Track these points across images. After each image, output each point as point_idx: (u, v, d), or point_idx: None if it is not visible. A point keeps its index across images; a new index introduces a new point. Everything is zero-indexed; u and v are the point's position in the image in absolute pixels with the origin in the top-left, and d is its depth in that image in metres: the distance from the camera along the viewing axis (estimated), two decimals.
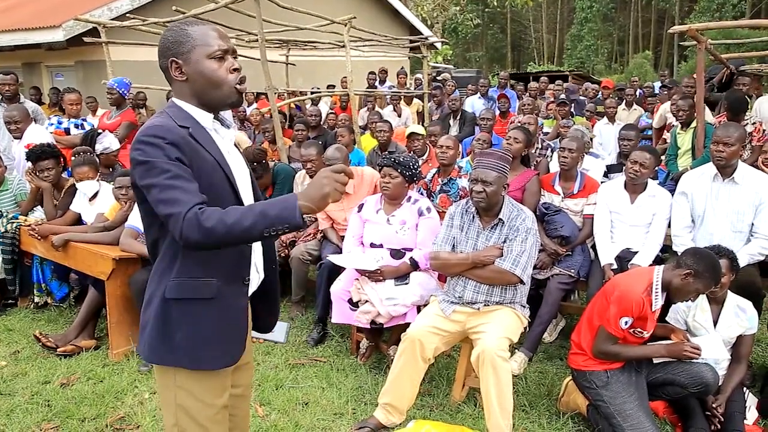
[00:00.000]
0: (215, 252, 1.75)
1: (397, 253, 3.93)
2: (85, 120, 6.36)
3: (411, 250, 3.91)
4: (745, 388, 3.38)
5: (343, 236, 4.30)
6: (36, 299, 4.94)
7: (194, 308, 1.80)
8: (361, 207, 4.14)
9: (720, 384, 3.13)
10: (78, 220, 4.66)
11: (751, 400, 3.32)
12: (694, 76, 6.05)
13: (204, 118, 1.83)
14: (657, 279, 2.99)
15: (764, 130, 5.60)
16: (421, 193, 4.55)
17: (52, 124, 6.03)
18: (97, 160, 5.34)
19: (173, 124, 1.74)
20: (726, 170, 3.81)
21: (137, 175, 1.68)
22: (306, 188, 1.68)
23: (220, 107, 1.86)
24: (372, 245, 4.02)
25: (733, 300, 3.31)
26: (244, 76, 1.84)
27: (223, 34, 1.83)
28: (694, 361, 3.03)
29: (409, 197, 4.03)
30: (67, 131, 6.01)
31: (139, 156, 1.67)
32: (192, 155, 1.73)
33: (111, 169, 5.32)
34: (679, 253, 3.15)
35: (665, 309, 3.22)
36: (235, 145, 1.98)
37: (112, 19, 9.56)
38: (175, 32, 1.79)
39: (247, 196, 1.93)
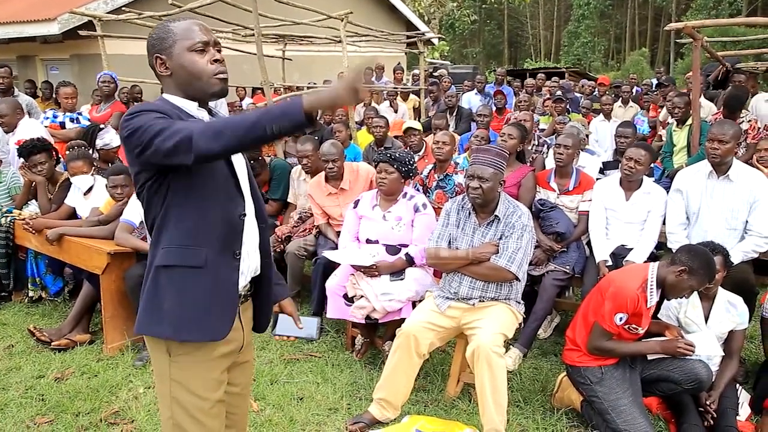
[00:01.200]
0: (205, 220, 1.80)
1: (392, 249, 3.93)
2: (80, 114, 6.34)
3: (407, 246, 3.91)
4: (737, 385, 3.40)
5: (339, 232, 4.30)
6: (30, 293, 4.92)
7: (182, 276, 1.81)
8: (356, 203, 4.14)
9: (713, 380, 3.14)
10: (73, 214, 4.64)
11: (744, 397, 3.34)
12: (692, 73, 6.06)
13: (193, 108, 1.87)
14: (652, 276, 3.00)
15: (759, 128, 5.61)
16: (417, 189, 4.55)
17: (47, 118, 6.01)
18: (96, 154, 5.34)
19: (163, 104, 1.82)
20: (721, 167, 3.82)
21: (133, 144, 1.69)
22: (323, 90, 1.67)
23: (204, 98, 1.88)
24: (368, 241, 4.02)
25: (723, 296, 3.33)
26: (225, 68, 1.86)
27: (204, 27, 1.86)
28: (688, 357, 3.05)
29: (405, 193, 4.03)
30: (62, 125, 6.00)
31: (127, 129, 1.69)
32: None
33: (110, 165, 5.30)
34: (674, 250, 3.16)
35: (659, 305, 3.23)
36: None
37: (107, 13, 9.51)
38: (159, 30, 1.84)
39: (245, 186, 1.95)
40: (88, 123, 6.23)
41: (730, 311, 3.29)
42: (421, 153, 5.80)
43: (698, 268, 2.90)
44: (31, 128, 5.40)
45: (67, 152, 4.73)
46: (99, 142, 5.29)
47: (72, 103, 6.32)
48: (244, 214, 1.93)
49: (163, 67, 1.83)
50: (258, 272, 2.04)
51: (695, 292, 3.18)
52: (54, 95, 7.64)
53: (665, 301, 3.29)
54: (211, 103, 1.97)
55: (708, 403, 3.10)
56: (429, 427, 3.12)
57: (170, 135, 1.63)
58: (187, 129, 1.62)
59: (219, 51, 1.87)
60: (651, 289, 2.98)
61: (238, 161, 1.95)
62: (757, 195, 3.75)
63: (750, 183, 3.78)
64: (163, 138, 1.63)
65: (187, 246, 1.81)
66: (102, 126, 5.59)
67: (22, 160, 4.85)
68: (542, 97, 9.44)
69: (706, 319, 3.30)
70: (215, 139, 1.60)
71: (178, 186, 1.78)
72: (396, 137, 6.59)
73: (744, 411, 3.26)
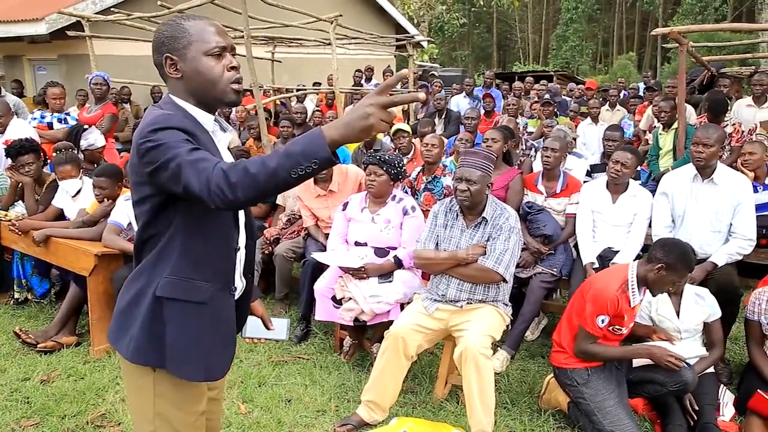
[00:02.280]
0: (209, 255, 1.73)
1: (381, 252, 3.94)
2: (68, 114, 6.31)
3: (395, 248, 3.92)
4: (722, 385, 3.44)
5: (328, 234, 4.31)
6: (16, 295, 4.88)
7: (185, 310, 1.72)
8: (345, 205, 4.14)
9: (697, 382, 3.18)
10: (60, 216, 4.61)
11: (728, 397, 3.38)
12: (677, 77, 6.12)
13: (205, 118, 1.76)
14: (632, 275, 3.03)
15: (743, 132, 5.68)
16: (406, 192, 4.57)
17: (35, 118, 5.97)
18: (81, 156, 5.31)
19: (178, 114, 1.68)
20: (705, 171, 3.86)
21: (149, 158, 1.56)
22: (344, 115, 1.48)
23: (216, 106, 1.79)
24: (356, 243, 4.03)
25: (690, 289, 3.40)
26: (240, 75, 1.76)
27: (221, 30, 1.75)
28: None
29: (394, 196, 4.04)
30: (50, 125, 5.96)
31: (150, 143, 1.56)
32: (201, 144, 1.64)
33: (95, 165, 5.27)
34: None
35: None
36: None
37: (96, 13, 9.48)
38: (171, 27, 1.70)
39: (240, 214, 1.89)
40: (75, 123, 6.21)
41: (699, 303, 3.35)
42: (409, 155, 5.81)
43: (675, 262, 2.93)
44: (19, 129, 5.37)
45: (55, 155, 4.70)
46: (83, 143, 5.26)
47: (60, 104, 6.28)
48: (239, 248, 1.86)
49: (173, 68, 1.71)
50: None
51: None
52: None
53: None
54: None
55: (687, 403, 3.14)
56: (417, 428, 3.12)
57: (190, 167, 1.49)
58: (207, 168, 1.48)
59: (234, 56, 1.77)
60: (633, 288, 3.01)
61: None
62: (741, 198, 3.79)
63: (734, 186, 3.82)
64: (180, 168, 1.50)
65: (192, 279, 1.72)
66: (86, 127, 5.55)
67: (9, 161, 4.81)
68: (530, 101, 9.51)
69: (678, 314, 3.36)
70: (237, 191, 1.44)
71: (190, 214, 1.68)
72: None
73: (728, 411, 3.30)
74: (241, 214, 1.87)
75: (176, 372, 1.74)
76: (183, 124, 1.62)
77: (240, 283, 1.94)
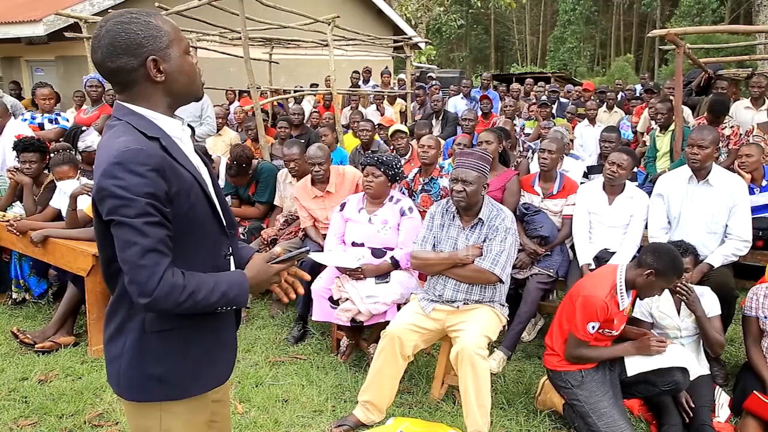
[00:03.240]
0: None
1: (378, 252, 3.95)
2: (59, 114, 6.31)
3: (392, 249, 3.93)
4: (717, 387, 3.45)
5: (325, 235, 4.32)
6: (14, 295, 4.89)
7: (180, 336, 1.67)
8: (343, 206, 4.15)
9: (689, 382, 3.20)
10: (58, 216, 4.62)
11: (724, 398, 3.39)
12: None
13: (172, 126, 1.65)
14: (620, 279, 3.04)
15: (740, 134, 5.70)
16: (403, 193, 4.58)
17: (25, 119, 5.97)
18: (79, 157, 5.31)
19: (147, 141, 1.55)
20: (701, 172, 3.88)
21: (108, 205, 1.49)
22: (256, 275, 1.72)
23: (187, 103, 1.73)
24: (353, 244, 4.04)
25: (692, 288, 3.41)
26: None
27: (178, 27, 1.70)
28: (665, 365, 3.08)
29: (392, 197, 4.05)
30: (40, 126, 5.96)
31: (114, 186, 1.47)
32: (173, 178, 1.56)
33: (93, 166, 5.28)
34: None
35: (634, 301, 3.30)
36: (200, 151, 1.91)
37: (93, 15, 9.47)
38: (144, 26, 1.56)
39: (219, 205, 1.78)
40: (66, 123, 6.21)
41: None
42: (407, 156, 5.82)
43: (665, 268, 2.94)
44: (17, 130, 5.38)
45: (52, 156, 4.70)
46: (81, 145, 5.27)
47: (50, 104, 6.28)
48: (230, 253, 1.81)
49: (158, 71, 1.58)
50: None
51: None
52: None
53: (638, 300, 3.35)
54: (201, 106, 1.92)
55: (684, 401, 3.17)
56: (413, 429, 3.13)
57: (140, 264, 1.48)
58: (157, 278, 1.48)
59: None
60: (621, 292, 3.02)
61: (210, 186, 1.75)
62: (736, 199, 3.81)
63: (729, 188, 3.84)
64: (134, 255, 1.48)
65: None
66: (83, 128, 5.56)
67: (11, 161, 4.81)
68: (529, 102, 9.52)
69: (679, 312, 3.40)
70: (174, 307, 1.52)
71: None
72: (383, 134, 6.61)
73: (724, 412, 3.31)
74: (222, 213, 1.78)
75: (184, 395, 1.71)
76: (158, 161, 1.52)
77: None
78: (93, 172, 4.76)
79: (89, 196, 4.27)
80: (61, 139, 5.81)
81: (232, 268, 1.83)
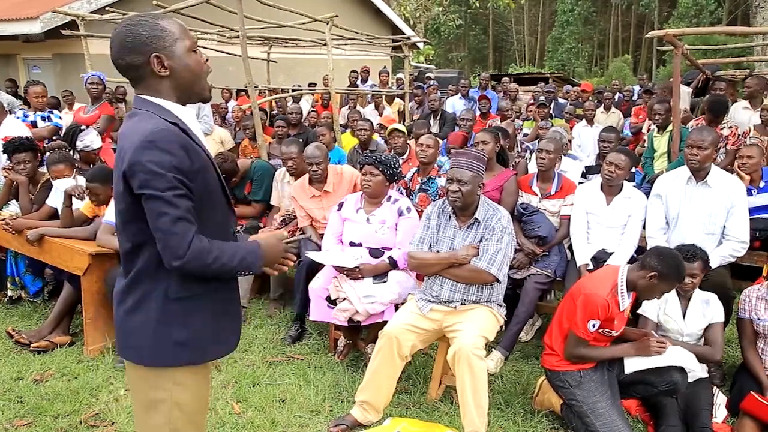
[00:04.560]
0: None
1: (376, 252, 3.94)
2: (51, 112, 6.29)
3: (390, 249, 3.92)
4: (714, 387, 3.45)
5: (322, 234, 4.31)
6: (10, 293, 4.88)
7: (199, 303, 1.82)
8: (341, 205, 4.15)
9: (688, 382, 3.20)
10: (54, 215, 4.60)
11: (721, 399, 3.39)
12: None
13: (187, 115, 1.82)
14: (622, 280, 3.04)
15: (739, 135, 5.70)
16: (401, 192, 4.57)
17: (18, 117, 5.95)
18: (77, 156, 5.30)
19: (169, 125, 1.72)
20: (699, 173, 3.88)
21: (139, 179, 1.65)
22: (267, 248, 1.87)
23: (195, 101, 1.88)
24: (351, 244, 4.03)
25: (699, 295, 3.44)
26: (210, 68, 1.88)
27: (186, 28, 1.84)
28: (663, 364, 3.08)
29: (389, 197, 4.04)
30: (33, 124, 5.94)
31: (147, 162, 1.64)
32: (194, 157, 1.74)
33: (91, 166, 5.26)
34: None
35: (636, 303, 3.29)
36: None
37: (91, 12, 9.45)
38: (149, 27, 1.73)
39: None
40: (59, 121, 6.19)
41: (705, 308, 3.41)
42: (405, 156, 5.82)
43: (668, 272, 2.94)
44: (15, 127, 5.36)
45: (48, 154, 4.69)
46: (80, 144, 5.25)
47: (42, 102, 6.26)
48: (238, 232, 1.97)
49: (162, 66, 1.74)
50: None
51: (674, 291, 3.25)
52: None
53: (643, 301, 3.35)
54: (198, 105, 1.98)
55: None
56: (411, 429, 3.13)
57: (172, 231, 1.66)
58: (187, 242, 1.67)
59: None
60: (622, 293, 3.02)
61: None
62: (735, 200, 3.81)
63: (727, 189, 3.84)
64: (166, 223, 1.65)
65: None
66: (83, 127, 5.54)
67: (5, 159, 4.79)
68: (526, 103, 9.51)
69: (684, 316, 3.40)
70: (204, 266, 1.71)
71: None
72: (383, 133, 6.60)
73: (721, 413, 3.31)
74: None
75: (202, 359, 1.87)
76: (184, 141, 1.72)
77: None
78: (89, 169, 4.78)
79: (80, 200, 4.27)
80: (55, 138, 5.79)
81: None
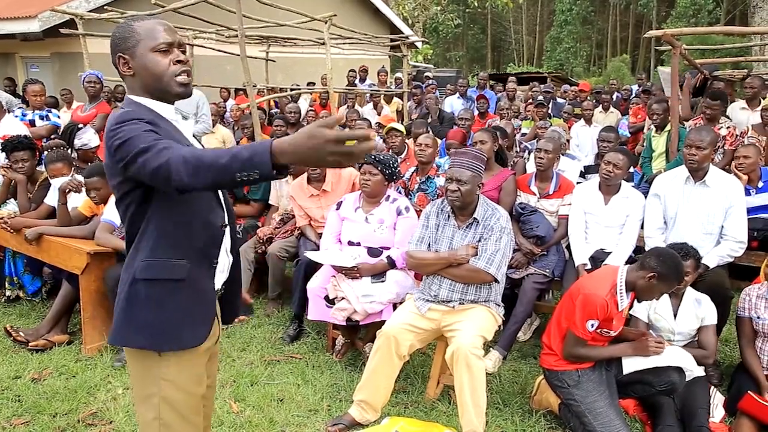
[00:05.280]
0: (187, 234, 1.83)
1: (374, 252, 3.94)
2: (50, 111, 6.28)
3: (388, 248, 3.93)
4: (712, 387, 3.46)
5: (321, 234, 4.31)
6: (8, 292, 4.87)
7: (163, 289, 1.82)
8: (339, 204, 4.15)
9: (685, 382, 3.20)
10: (52, 214, 4.59)
11: (718, 399, 3.40)
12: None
13: (165, 109, 1.86)
14: (621, 280, 3.04)
15: (737, 135, 5.71)
16: (399, 192, 4.57)
17: (16, 116, 5.94)
18: (75, 154, 5.29)
19: (143, 112, 1.78)
20: (698, 173, 3.88)
21: (119, 154, 1.66)
22: (300, 134, 1.42)
23: (167, 99, 1.87)
24: (350, 243, 4.03)
25: (691, 294, 3.45)
26: (188, 68, 1.86)
27: (169, 28, 1.85)
28: (661, 364, 3.09)
29: (388, 196, 4.05)
30: (32, 123, 5.94)
31: (117, 140, 1.66)
32: (164, 134, 1.73)
33: (89, 164, 5.25)
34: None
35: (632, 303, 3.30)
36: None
37: (89, 11, 9.44)
38: (122, 29, 1.83)
39: (222, 194, 1.99)
40: (57, 120, 6.18)
41: (697, 308, 3.41)
42: (403, 155, 5.82)
43: (667, 273, 2.95)
44: (13, 126, 5.35)
45: (46, 153, 4.68)
46: (77, 142, 5.24)
47: (41, 101, 6.25)
48: (226, 225, 1.97)
49: (126, 66, 1.82)
50: (228, 273, 2.08)
51: None
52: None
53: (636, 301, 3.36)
54: (197, 104, 1.97)
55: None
56: (409, 428, 3.13)
57: (154, 156, 1.59)
58: (168, 155, 1.57)
59: (183, 52, 1.88)
60: (621, 293, 3.02)
61: None
62: (733, 200, 3.82)
63: (726, 189, 3.85)
64: (146, 158, 1.60)
65: (168, 259, 1.82)
66: (80, 126, 5.53)
67: (3, 158, 4.79)
68: (524, 102, 9.51)
69: (675, 316, 3.41)
70: (193, 176, 1.54)
71: (162, 199, 1.78)
72: (382, 132, 6.59)
73: (718, 413, 3.32)
74: (221, 193, 1.98)
75: (155, 346, 1.83)
76: (143, 116, 1.73)
77: (227, 259, 2.03)
78: (87, 168, 4.77)
79: (77, 192, 4.27)
80: (53, 136, 5.79)
81: (226, 239, 1.99)
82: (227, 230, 1.98)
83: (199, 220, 1.86)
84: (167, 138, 1.70)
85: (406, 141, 6.02)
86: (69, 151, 5.14)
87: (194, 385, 1.91)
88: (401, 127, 6.03)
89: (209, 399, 2.17)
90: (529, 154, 5.97)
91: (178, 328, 1.84)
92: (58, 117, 6.34)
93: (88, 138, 5.30)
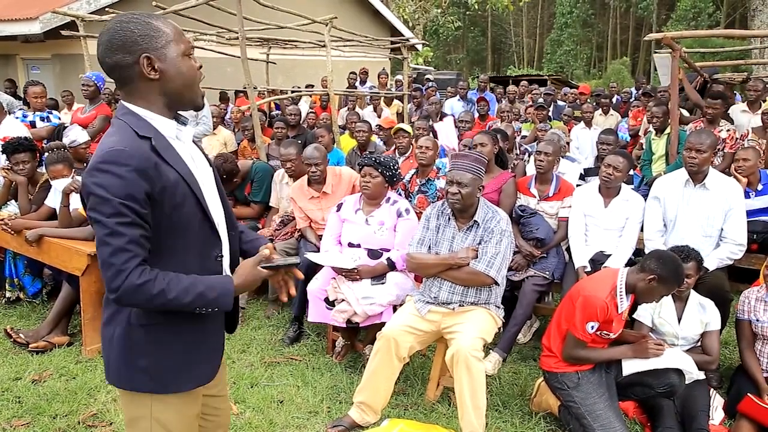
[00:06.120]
0: (182, 273, 1.67)
1: (374, 253, 3.95)
2: (50, 113, 6.29)
3: (389, 250, 3.93)
4: (712, 389, 3.46)
5: (321, 236, 4.31)
6: (8, 294, 4.87)
7: (164, 332, 1.72)
8: (340, 206, 4.15)
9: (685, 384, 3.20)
10: (53, 215, 4.60)
11: (718, 401, 3.41)
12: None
13: (166, 126, 1.69)
14: (621, 282, 3.05)
15: (736, 138, 5.72)
16: (400, 194, 4.58)
17: (17, 118, 5.95)
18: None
19: (135, 141, 1.59)
20: (697, 176, 3.89)
21: (89, 202, 1.56)
22: (244, 281, 1.72)
23: (186, 108, 1.75)
24: (350, 245, 4.03)
25: (695, 298, 3.45)
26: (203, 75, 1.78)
27: (182, 31, 1.73)
28: (660, 366, 3.09)
29: (388, 198, 4.05)
30: (32, 124, 5.94)
31: (93, 185, 1.53)
32: (156, 178, 1.58)
33: (84, 163, 5.25)
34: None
35: (633, 306, 3.30)
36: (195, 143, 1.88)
37: (90, 13, 9.46)
38: (141, 26, 1.61)
39: (214, 206, 1.81)
40: (58, 122, 6.19)
41: (701, 312, 3.41)
42: (407, 155, 5.81)
43: (667, 275, 2.95)
44: (14, 127, 5.36)
45: (47, 155, 4.68)
46: (65, 140, 5.24)
47: (41, 103, 6.26)
48: (222, 255, 1.83)
49: (151, 68, 1.61)
50: None
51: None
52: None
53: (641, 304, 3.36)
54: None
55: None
56: (408, 430, 3.13)
57: (111, 262, 1.53)
58: (124, 276, 1.52)
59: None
60: (621, 295, 3.03)
61: (208, 186, 1.80)
62: (732, 203, 3.83)
63: (725, 191, 3.85)
64: (107, 253, 1.53)
65: None
66: (66, 124, 5.54)
67: (4, 160, 4.79)
68: (525, 104, 9.53)
69: (679, 320, 3.41)
70: (149, 303, 1.56)
71: (156, 241, 1.64)
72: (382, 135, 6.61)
73: (718, 415, 3.33)
74: (217, 214, 1.82)
75: (166, 390, 1.75)
76: (140, 162, 1.56)
77: None
78: (84, 167, 4.77)
79: (77, 192, 4.27)
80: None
81: (225, 268, 1.86)
82: (224, 261, 1.85)
83: (194, 258, 1.74)
84: (158, 181, 1.58)
85: (412, 141, 6.02)
86: (68, 152, 5.12)
87: (188, 408, 1.83)
88: (409, 129, 6.03)
89: (223, 409, 2.09)
90: (529, 156, 5.98)
91: (183, 369, 1.76)
92: (59, 118, 6.35)
93: (75, 135, 5.27)
